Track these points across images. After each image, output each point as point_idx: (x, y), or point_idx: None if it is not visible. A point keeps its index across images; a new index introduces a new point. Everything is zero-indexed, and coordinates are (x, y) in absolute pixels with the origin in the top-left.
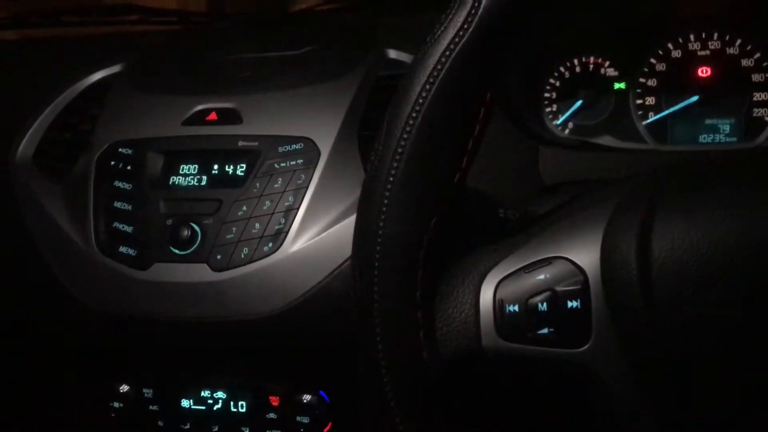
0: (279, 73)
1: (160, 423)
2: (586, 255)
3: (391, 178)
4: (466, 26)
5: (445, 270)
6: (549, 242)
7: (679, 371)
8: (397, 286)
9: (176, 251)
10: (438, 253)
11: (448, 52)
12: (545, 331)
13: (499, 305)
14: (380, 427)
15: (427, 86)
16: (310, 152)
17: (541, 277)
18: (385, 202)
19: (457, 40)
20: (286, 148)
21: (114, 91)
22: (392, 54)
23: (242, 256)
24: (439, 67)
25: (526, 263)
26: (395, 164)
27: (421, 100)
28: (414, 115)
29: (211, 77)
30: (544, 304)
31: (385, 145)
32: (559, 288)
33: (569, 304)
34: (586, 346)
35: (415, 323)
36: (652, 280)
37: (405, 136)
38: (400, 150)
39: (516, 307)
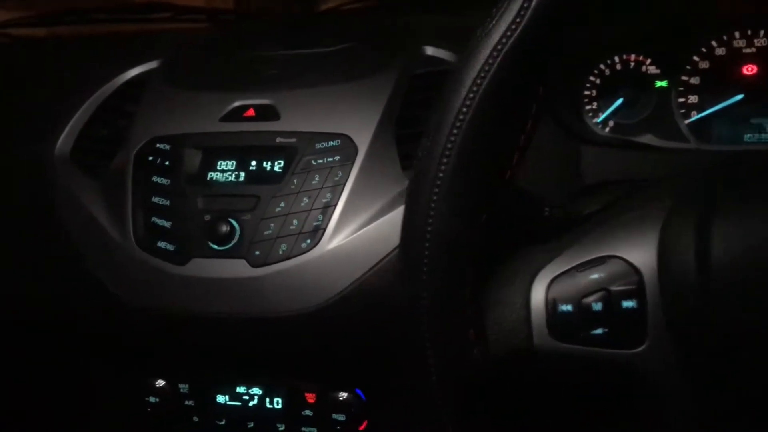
0: (315, 69)
1: (196, 418)
2: (641, 254)
3: (440, 174)
4: (518, 20)
5: (495, 268)
6: (602, 241)
7: (737, 375)
8: (446, 284)
9: (215, 247)
10: (488, 251)
11: (500, 46)
12: (599, 331)
13: (551, 305)
14: (427, 424)
15: (478, 81)
16: (347, 149)
17: (595, 276)
18: (434, 198)
19: (509, 33)
20: (323, 145)
21: (150, 87)
22: (429, 51)
23: (280, 252)
24: (490, 61)
25: (579, 262)
26: (444, 160)
27: (471, 95)
28: (464, 110)
29: (248, 74)
30: (599, 304)
31: (433, 140)
32: (613, 287)
33: (624, 304)
34: (641, 348)
35: (466, 322)
36: (711, 281)
37: (455, 131)
38: (449, 146)
39: (569, 307)
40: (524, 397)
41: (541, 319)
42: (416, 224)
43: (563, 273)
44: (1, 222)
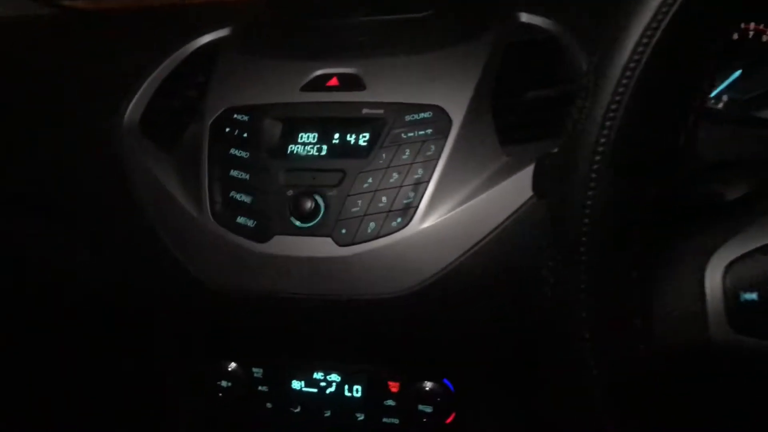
0: (402, 36)
1: (269, 404)
2: None
3: (603, 140)
4: None
5: (663, 249)
6: None
7: None
8: (609, 266)
9: (298, 224)
10: (657, 228)
11: None
12: None
13: (731, 292)
14: (582, 424)
15: (649, 32)
16: (441, 122)
17: None
18: (595, 167)
19: None
20: (413, 117)
21: (223, 55)
22: (524, 18)
23: (369, 231)
24: (664, 9)
25: (762, 244)
26: (608, 123)
27: (641, 48)
28: (632, 65)
29: (331, 41)
30: None
31: (593, 100)
32: None
33: None
34: None
35: (631, 310)
36: None
37: (621, 89)
38: (614, 107)
39: (754, 295)
40: (696, 396)
41: (718, 308)
42: (570, 197)
43: (743, 256)
44: (75, 197)
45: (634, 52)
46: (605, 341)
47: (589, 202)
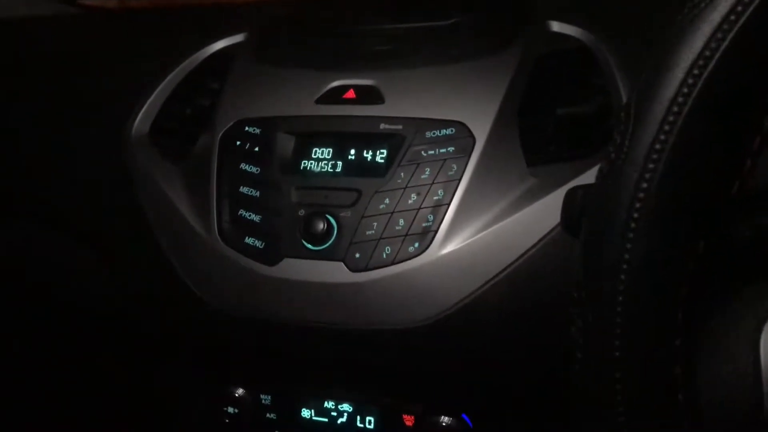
0: (424, 47)
1: None
2: None
3: (645, 184)
4: None
5: (711, 311)
6: None
7: None
8: (649, 331)
9: (309, 246)
10: (705, 288)
11: (733, 17)
12: None
13: None
14: None
15: (701, 62)
16: (463, 139)
17: None
18: (635, 216)
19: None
20: (434, 134)
21: (237, 63)
22: (555, 27)
23: (384, 256)
24: (719, 36)
25: None
26: (651, 165)
27: (691, 80)
28: (681, 99)
29: (348, 50)
30: None
31: (634, 138)
32: None
33: None
34: None
35: (673, 381)
36: None
37: (667, 128)
38: (658, 147)
39: None
40: None
41: None
42: (607, 248)
43: None
44: (83, 206)
45: (683, 83)
46: (643, 418)
47: (627, 256)
